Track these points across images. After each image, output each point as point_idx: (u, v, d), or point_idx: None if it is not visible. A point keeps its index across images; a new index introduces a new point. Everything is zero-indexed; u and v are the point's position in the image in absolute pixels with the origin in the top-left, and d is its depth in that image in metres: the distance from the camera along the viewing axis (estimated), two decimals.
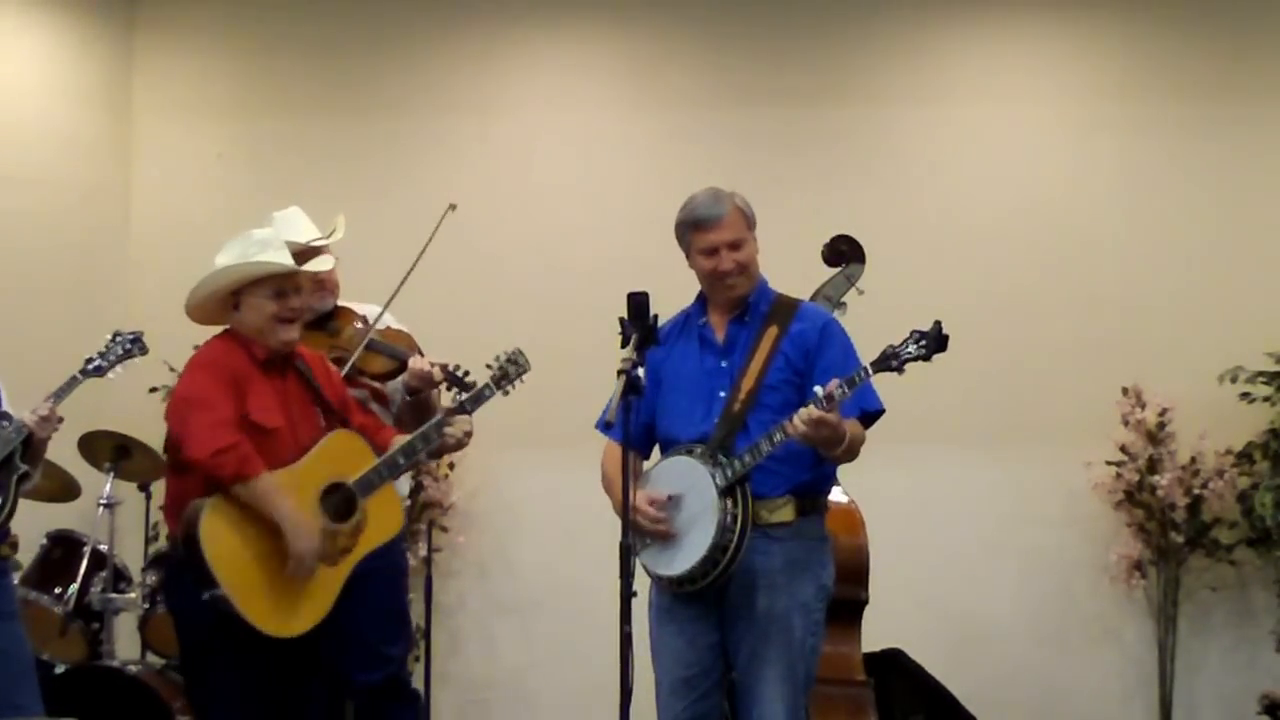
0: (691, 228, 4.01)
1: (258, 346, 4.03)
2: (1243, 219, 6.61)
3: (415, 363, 4.56)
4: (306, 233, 4.66)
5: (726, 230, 3.98)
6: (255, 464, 3.83)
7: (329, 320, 4.68)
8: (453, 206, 4.72)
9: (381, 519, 4.07)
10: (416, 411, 4.59)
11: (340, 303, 4.77)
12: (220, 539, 3.80)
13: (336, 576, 3.98)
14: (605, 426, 3.81)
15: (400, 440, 4.13)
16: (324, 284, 4.65)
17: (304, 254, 4.47)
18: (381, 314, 4.70)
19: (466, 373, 4.50)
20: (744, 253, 4.00)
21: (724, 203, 4.00)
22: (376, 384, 4.69)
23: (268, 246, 4.06)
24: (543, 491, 6.48)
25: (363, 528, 4.00)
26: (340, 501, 3.98)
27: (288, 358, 4.10)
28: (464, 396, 4.27)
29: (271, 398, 4.00)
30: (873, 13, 6.83)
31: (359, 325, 4.68)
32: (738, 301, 4.05)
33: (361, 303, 4.81)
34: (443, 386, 4.58)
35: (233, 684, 3.94)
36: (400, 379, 4.67)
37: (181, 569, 3.90)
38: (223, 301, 4.05)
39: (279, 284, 4.03)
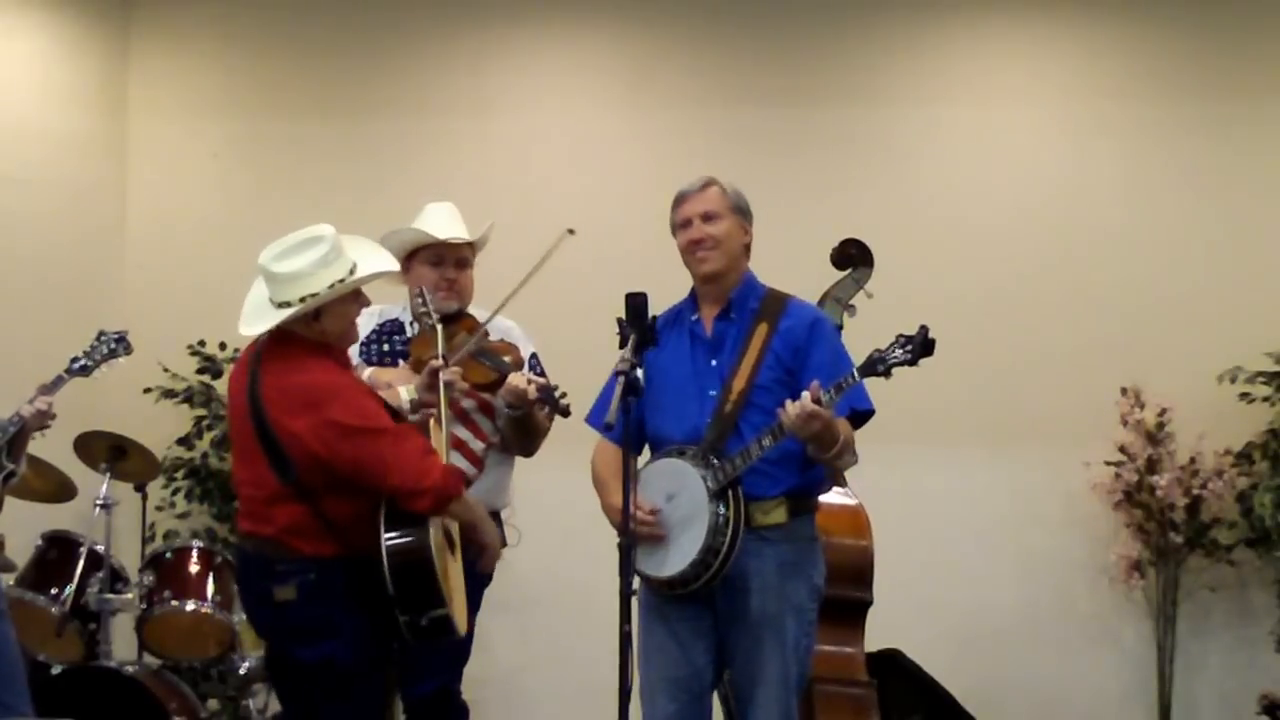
0: (673, 205, 4.06)
1: (339, 353, 3.92)
2: (1243, 219, 6.61)
3: (512, 378, 4.37)
4: (445, 230, 4.59)
5: (701, 202, 4.00)
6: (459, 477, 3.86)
7: (450, 323, 4.50)
8: (570, 231, 4.57)
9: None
10: (518, 427, 4.46)
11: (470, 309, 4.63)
12: (441, 561, 3.79)
13: (460, 572, 4.02)
14: (606, 428, 3.78)
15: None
16: (453, 285, 4.55)
17: (449, 245, 4.51)
18: (489, 321, 4.53)
19: (564, 394, 4.35)
20: (718, 227, 3.99)
21: (707, 179, 4.04)
22: (484, 394, 4.50)
23: (341, 250, 3.85)
24: (540, 490, 6.44)
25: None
26: None
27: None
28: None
29: None
30: (873, 13, 6.82)
31: (475, 331, 4.51)
32: (718, 292, 4.03)
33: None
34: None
35: (379, 702, 3.91)
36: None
37: (333, 582, 3.76)
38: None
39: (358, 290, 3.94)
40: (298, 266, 3.73)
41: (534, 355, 4.63)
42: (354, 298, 3.87)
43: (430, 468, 3.71)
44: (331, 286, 3.74)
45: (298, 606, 3.79)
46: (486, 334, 4.49)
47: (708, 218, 3.99)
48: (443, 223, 4.60)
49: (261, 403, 3.75)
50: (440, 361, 4.17)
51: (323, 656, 3.79)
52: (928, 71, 6.82)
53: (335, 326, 3.84)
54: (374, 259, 3.95)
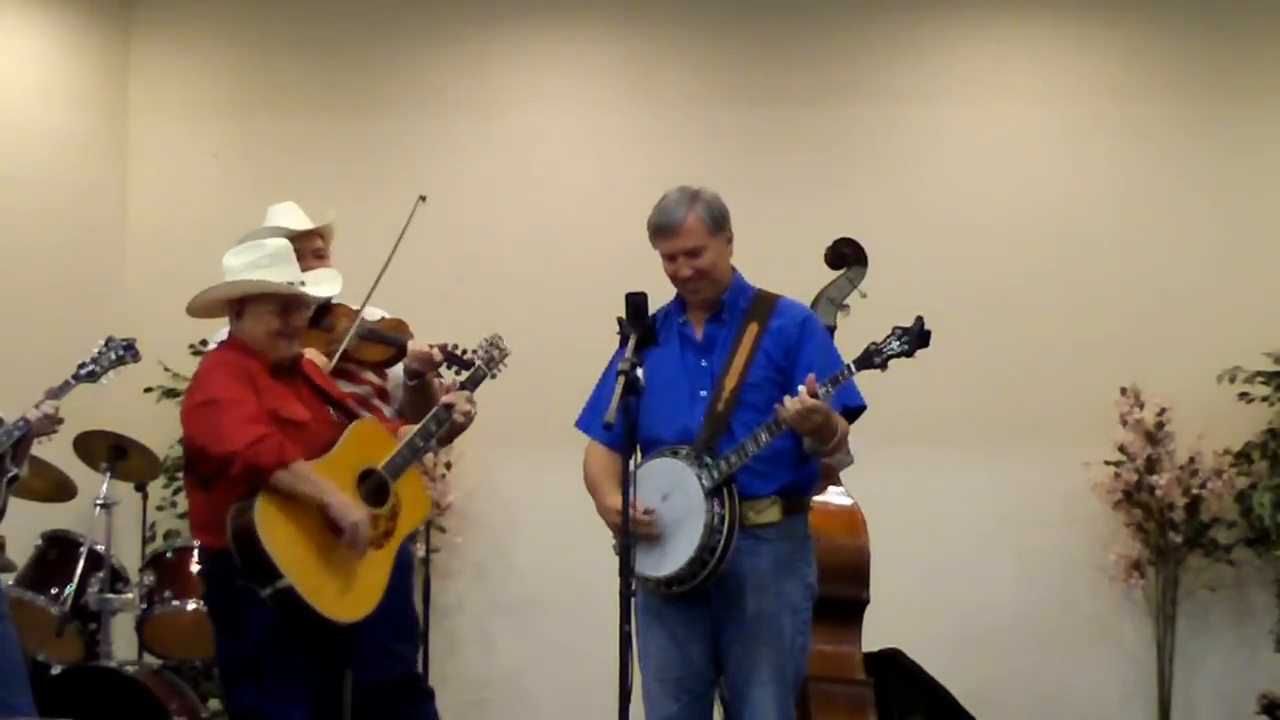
0: (652, 232, 3.99)
1: (259, 354, 4.02)
2: (1241, 219, 6.61)
3: (414, 345, 4.56)
4: (299, 223, 4.75)
5: (683, 239, 3.92)
6: (292, 449, 3.84)
7: (323, 317, 4.66)
8: (423, 198, 4.73)
9: (412, 501, 4.13)
10: (418, 398, 4.59)
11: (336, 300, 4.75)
12: (277, 531, 3.78)
13: (386, 559, 4.01)
14: (606, 427, 3.78)
15: (411, 426, 4.22)
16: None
17: (300, 238, 4.55)
18: (365, 303, 4.68)
19: (464, 350, 4.49)
20: (703, 259, 3.94)
21: (683, 209, 3.93)
22: (378, 379, 4.70)
23: (279, 260, 4.04)
24: (541, 491, 6.46)
25: (399, 510, 4.05)
26: (374, 487, 4.01)
27: (294, 362, 4.12)
28: (463, 377, 4.34)
29: (289, 396, 4.01)
30: (873, 13, 6.82)
31: (353, 319, 4.67)
32: (709, 303, 4.03)
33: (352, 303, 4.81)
34: (441, 369, 4.59)
35: (292, 688, 3.90)
36: (400, 365, 4.67)
37: (227, 572, 3.85)
38: (226, 307, 4.06)
39: (285, 302, 4.02)
40: (234, 262, 4.03)
41: None
42: (274, 307, 3.99)
43: (237, 433, 3.77)
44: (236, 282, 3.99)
45: (207, 598, 4.03)
46: (359, 314, 4.64)
47: (692, 254, 3.93)
48: (293, 219, 4.75)
49: None
50: (454, 397, 4.21)
51: (233, 647, 3.95)
52: (927, 71, 6.82)
53: (252, 329, 4.01)
54: (322, 287, 4.27)
